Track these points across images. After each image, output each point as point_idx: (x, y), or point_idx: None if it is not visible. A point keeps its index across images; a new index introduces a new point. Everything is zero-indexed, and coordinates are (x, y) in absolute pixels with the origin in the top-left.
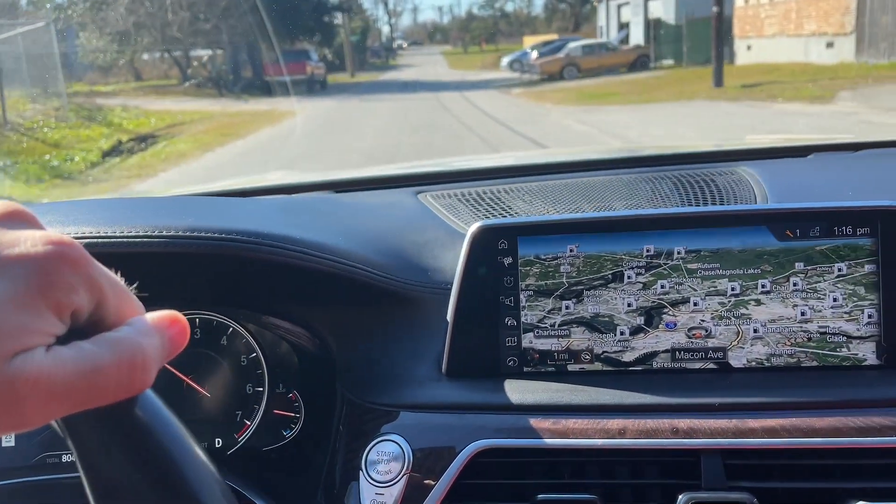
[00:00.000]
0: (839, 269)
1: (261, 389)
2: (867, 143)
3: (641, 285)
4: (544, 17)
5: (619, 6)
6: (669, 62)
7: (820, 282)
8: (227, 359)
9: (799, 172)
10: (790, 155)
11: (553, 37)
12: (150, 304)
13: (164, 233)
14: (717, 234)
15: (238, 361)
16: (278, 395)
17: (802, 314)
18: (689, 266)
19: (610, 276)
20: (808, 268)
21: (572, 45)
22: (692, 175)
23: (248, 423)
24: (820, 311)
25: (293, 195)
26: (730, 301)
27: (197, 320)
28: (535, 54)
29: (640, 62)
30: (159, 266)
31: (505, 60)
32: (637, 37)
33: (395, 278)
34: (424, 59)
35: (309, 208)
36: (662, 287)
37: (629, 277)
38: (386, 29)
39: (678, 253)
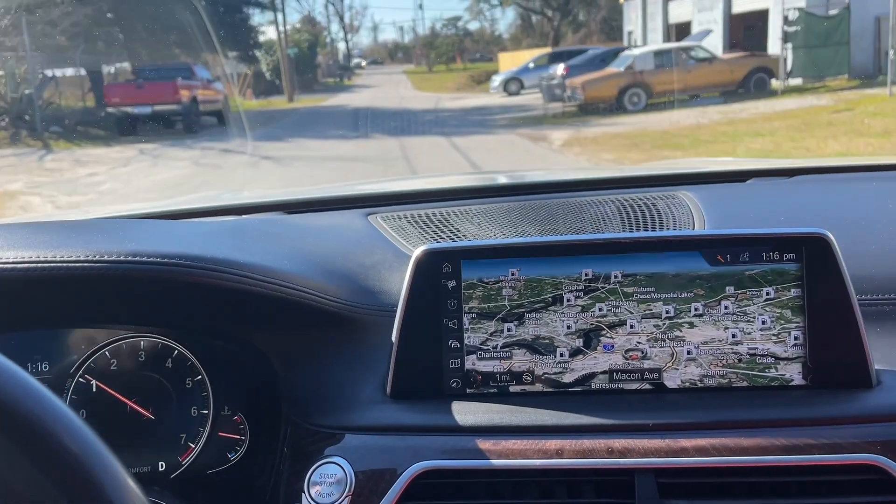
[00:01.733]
0: (767, 294)
1: (206, 412)
2: (802, 168)
3: (580, 308)
4: (509, 37)
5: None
6: (803, 79)
7: (749, 305)
8: (172, 381)
9: (736, 198)
10: (730, 180)
11: (540, 52)
12: (96, 327)
13: (106, 258)
14: (652, 259)
15: (183, 384)
16: (223, 417)
17: (733, 336)
18: (625, 290)
19: (550, 299)
20: (739, 292)
21: (637, 52)
22: (634, 199)
23: (193, 445)
24: (749, 334)
25: (242, 217)
26: (664, 324)
27: (142, 343)
28: (561, 69)
29: (754, 81)
30: (102, 290)
31: (496, 80)
32: (715, 41)
33: (341, 301)
34: (385, 78)
35: (256, 230)
36: (600, 310)
37: (569, 300)
38: (342, 46)
39: (615, 277)
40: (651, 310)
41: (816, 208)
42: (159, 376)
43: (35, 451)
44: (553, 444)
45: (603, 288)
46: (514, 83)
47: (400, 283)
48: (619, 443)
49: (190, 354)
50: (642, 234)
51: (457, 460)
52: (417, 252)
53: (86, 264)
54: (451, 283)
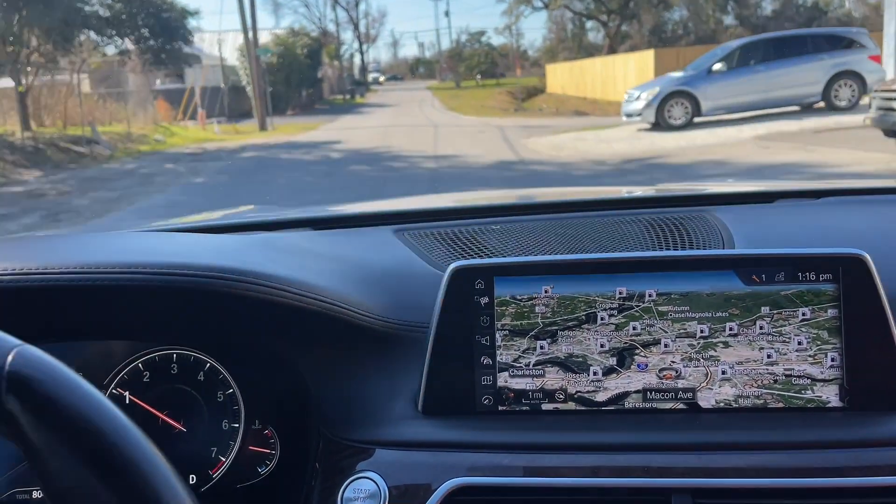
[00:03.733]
0: (803, 314)
1: (237, 425)
2: (827, 190)
3: (614, 326)
4: (542, 51)
5: None
6: None
7: (785, 325)
8: (204, 394)
9: (765, 218)
10: (757, 201)
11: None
12: (131, 340)
13: (149, 269)
14: (686, 278)
15: (215, 397)
16: (254, 431)
17: (768, 357)
18: (660, 308)
19: (584, 317)
20: (774, 312)
21: None
22: (663, 219)
23: (223, 459)
24: (785, 354)
25: (273, 232)
26: (699, 343)
27: (174, 356)
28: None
29: None
30: (138, 303)
31: (638, 98)
32: None
33: (374, 317)
34: (406, 94)
35: (289, 245)
36: (634, 329)
37: (602, 319)
38: (357, 58)
39: (650, 295)
40: (685, 329)
41: (846, 230)
42: (191, 389)
43: (99, 462)
44: (588, 462)
45: (637, 307)
46: (676, 104)
47: (431, 300)
48: (655, 461)
49: (222, 368)
50: (677, 252)
51: (492, 477)
52: (451, 268)
53: (128, 275)
54: (484, 300)
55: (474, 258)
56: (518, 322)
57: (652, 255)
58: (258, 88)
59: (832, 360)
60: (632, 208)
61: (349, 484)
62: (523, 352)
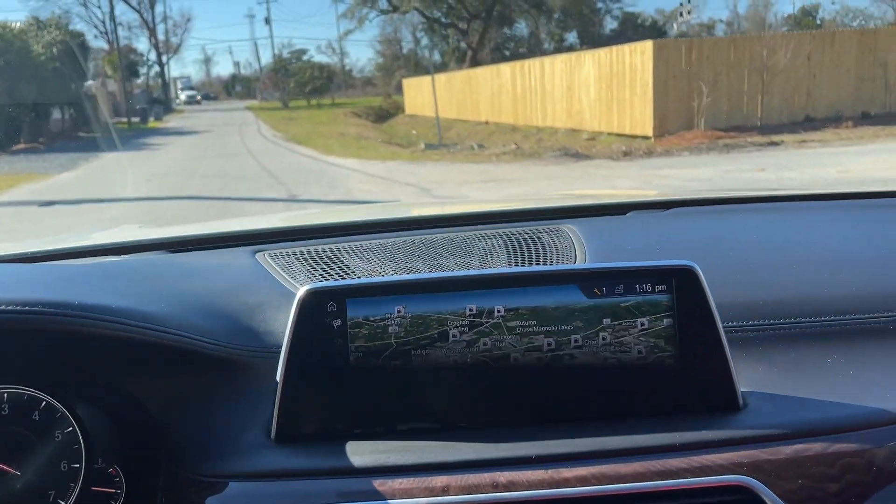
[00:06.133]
0: (642, 324)
1: (77, 466)
2: (676, 201)
3: (465, 343)
4: (376, 70)
5: None
6: None
7: (625, 336)
8: (40, 435)
9: (616, 230)
10: (611, 212)
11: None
12: None
13: None
14: (535, 293)
15: (52, 437)
16: (97, 470)
17: (614, 363)
18: (508, 324)
19: (436, 335)
20: (615, 323)
21: None
22: (521, 233)
23: (63, 502)
24: (626, 360)
25: (121, 257)
26: (546, 356)
27: (5, 395)
28: None
29: None
30: None
31: None
32: None
33: (222, 343)
34: (219, 116)
35: (132, 272)
36: (485, 344)
37: (454, 336)
38: (168, 72)
39: (498, 311)
40: (533, 342)
41: (689, 240)
42: (25, 430)
43: None
44: (439, 481)
45: (486, 322)
46: None
47: (285, 324)
48: (503, 476)
49: (59, 405)
50: (522, 268)
51: (344, 503)
52: (301, 292)
53: None
54: (337, 323)
55: (335, 278)
56: (372, 343)
57: (499, 272)
58: None
59: (669, 367)
60: (492, 222)
61: None
62: (377, 374)
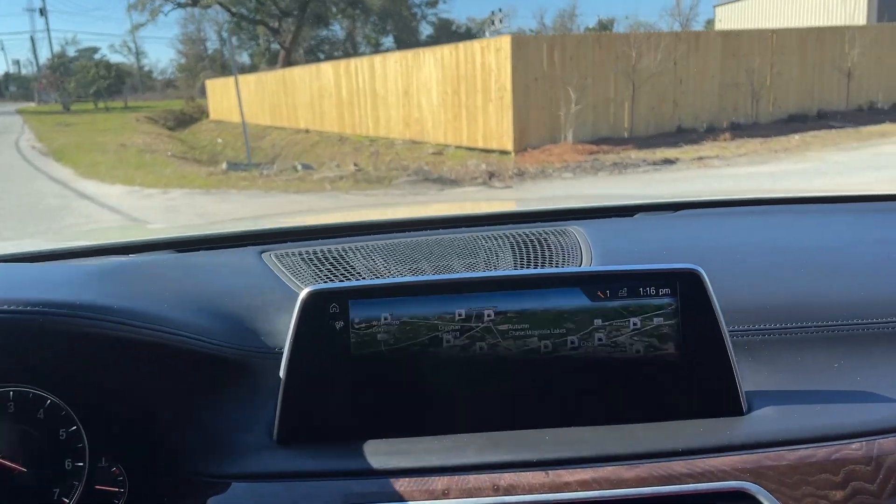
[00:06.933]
0: (644, 327)
1: (81, 464)
2: (685, 203)
3: (467, 346)
4: (184, 66)
5: None
6: None
7: (628, 339)
8: (44, 433)
9: (623, 232)
10: (619, 214)
11: None
12: None
13: None
14: (536, 296)
15: (56, 436)
16: (100, 469)
17: (613, 365)
18: (511, 326)
19: (440, 337)
20: (618, 326)
21: None
22: (528, 234)
23: (67, 501)
24: (623, 364)
25: (127, 257)
26: (546, 358)
27: (10, 394)
28: None
29: None
30: None
31: None
32: None
33: (225, 344)
34: None
35: (136, 272)
36: (483, 348)
37: (456, 339)
38: None
39: (501, 314)
40: (527, 346)
41: (696, 242)
42: (30, 428)
43: None
44: (440, 483)
45: (490, 325)
46: None
47: (289, 325)
48: (504, 479)
49: (64, 404)
50: (526, 271)
51: None
52: (303, 293)
53: None
54: (339, 324)
55: (340, 279)
56: (374, 345)
57: (504, 275)
58: None
59: (668, 366)
60: (502, 223)
61: None
62: (379, 375)
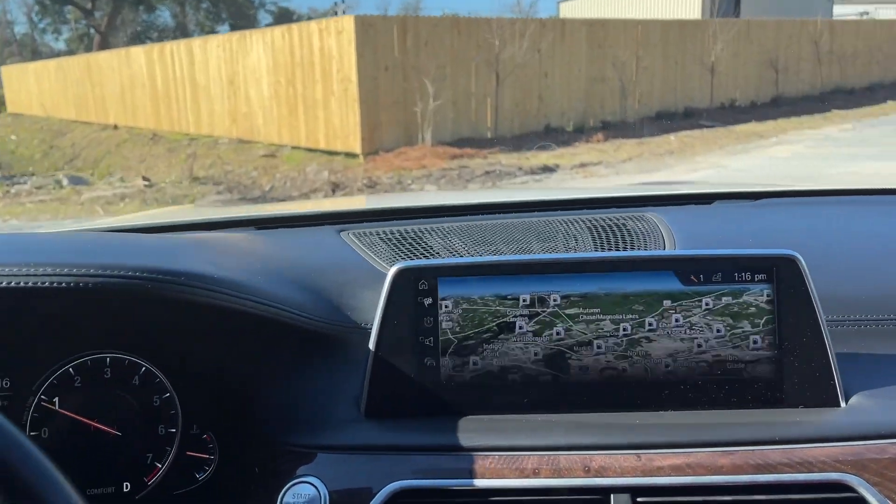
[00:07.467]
0: (740, 313)
1: (173, 430)
2: (766, 192)
3: (555, 327)
4: None
5: None
6: None
7: (723, 325)
8: (139, 399)
9: (703, 219)
10: (695, 202)
11: None
12: (62, 344)
13: (75, 271)
14: (630, 278)
15: (151, 402)
16: (192, 436)
17: (699, 346)
18: (605, 308)
19: (528, 316)
20: (714, 311)
21: None
22: (605, 219)
23: (160, 465)
24: (708, 342)
25: (211, 232)
26: (623, 342)
27: (108, 359)
28: None
29: None
30: (69, 305)
31: None
32: None
33: (315, 318)
34: None
35: (228, 246)
36: (571, 330)
37: (545, 319)
38: None
39: (557, 298)
40: (602, 329)
41: (782, 231)
42: (125, 394)
43: None
44: (530, 462)
45: (581, 307)
46: None
47: (374, 301)
48: (595, 461)
49: (158, 371)
50: (621, 253)
51: (433, 480)
52: (394, 269)
53: (54, 277)
54: (428, 301)
55: (419, 258)
56: (462, 322)
57: (602, 256)
58: None
59: (754, 342)
60: (578, 208)
61: (289, 488)
62: (467, 353)
